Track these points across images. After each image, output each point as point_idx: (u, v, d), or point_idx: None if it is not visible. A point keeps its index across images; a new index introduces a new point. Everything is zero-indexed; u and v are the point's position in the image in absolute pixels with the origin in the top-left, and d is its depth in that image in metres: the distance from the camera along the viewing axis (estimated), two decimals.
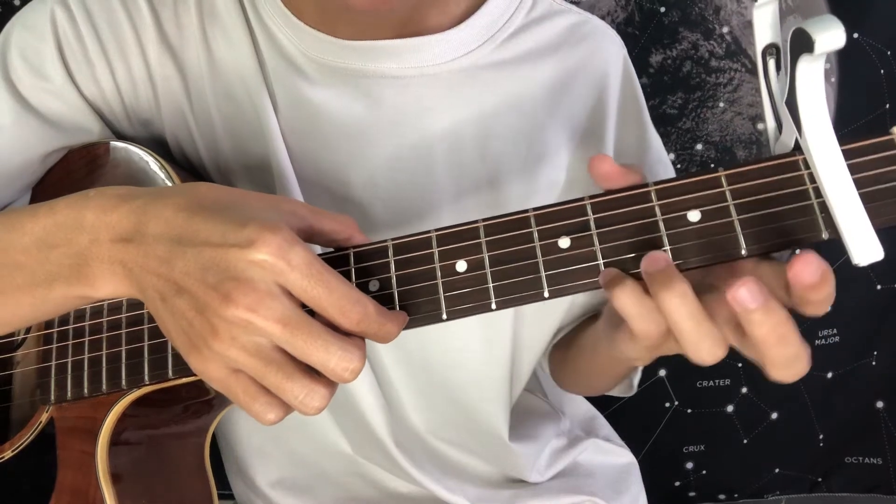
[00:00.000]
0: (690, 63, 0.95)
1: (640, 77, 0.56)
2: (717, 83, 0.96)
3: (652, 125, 0.57)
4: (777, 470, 1.04)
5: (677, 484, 1.03)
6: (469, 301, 0.34)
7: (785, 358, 0.29)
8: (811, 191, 0.30)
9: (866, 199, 0.28)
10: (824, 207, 0.29)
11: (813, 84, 0.28)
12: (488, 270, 0.34)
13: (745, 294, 0.27)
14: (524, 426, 0.59)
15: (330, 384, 0.31)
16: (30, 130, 0.46)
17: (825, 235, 0.29)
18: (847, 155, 0.29)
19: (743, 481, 1.04)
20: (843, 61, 0.94)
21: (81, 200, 0.34)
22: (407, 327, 0.35)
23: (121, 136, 0.50)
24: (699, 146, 0.97)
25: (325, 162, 0.48)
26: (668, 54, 0.95)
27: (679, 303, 0.29)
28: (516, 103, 0.49)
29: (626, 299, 0.30)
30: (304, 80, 0.47)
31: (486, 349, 0.51)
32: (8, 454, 0.47)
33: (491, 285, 0.34)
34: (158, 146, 0.50)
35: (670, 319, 0.29)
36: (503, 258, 0.34)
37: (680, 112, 0.95)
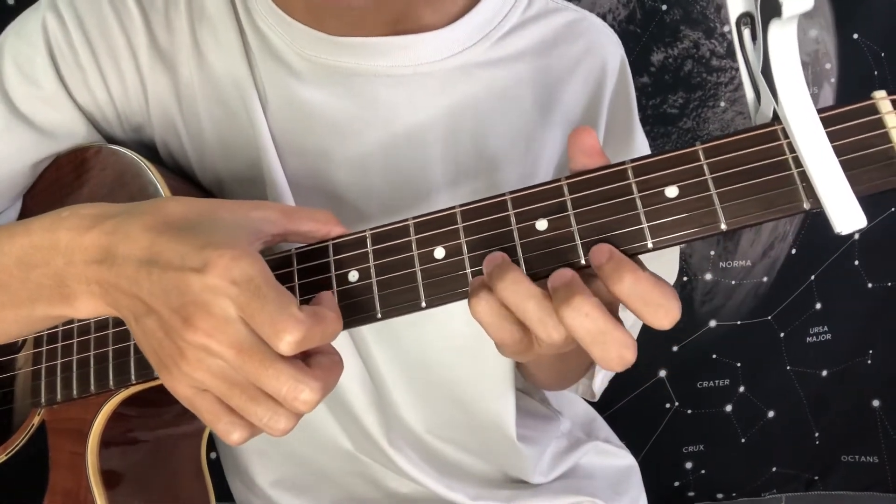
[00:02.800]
0: (692, 62, 0.95)
1: (641, 76, 0.55)
2: (719, 82, 0.95)
3: (641, 129, 0.56)
4: (774, 469, 1.03)
5: (677, 484, 1.02)
6: (448, 288, 0.33)
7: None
8: (791, 160, 0.29)
9: (847, 167, 0.27)
10: (805, 177, 0.28)
11: (786, 49, 0.27)
12: (466, 256, 0.33)
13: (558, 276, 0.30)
14: (525, 428, 0.58)
15: None
16: (21, 139, 0.46)
17: (807, 206, 0.28)
18: (826, 122, 0.28)
19: (741, 480, 1.04)
20: (844, 62, 0.94)
21: (56, 221, 0.34)
22: (387, 317, 0.35)
23: (112, 142, 0.50)
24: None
25: (317, 162, 0.47)
26: (670, 53, 0.94)
27: (514, 289, 0.30)
28: (513, 101, 0.48)
29: (480, 309, 0.31)
30: (295, 79, 0.47)
31: (488, 345, 0.50)
32: (1, 457, 0.47)
33: (469, 271, 0.33)
34: (149, 150, 0.50)
35: (512, 306, 0.30)
36: (481, 243, 0.33)
37: (681, 111, 0.95)
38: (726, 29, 0.94)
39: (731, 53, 0.94)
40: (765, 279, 0.99)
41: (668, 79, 0.94)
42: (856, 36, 0.94)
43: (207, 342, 0.29)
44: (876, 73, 0.93)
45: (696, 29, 0.95)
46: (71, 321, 0.44)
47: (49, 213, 0.35)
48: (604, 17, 0.92)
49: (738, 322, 1.00)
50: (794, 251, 0.98)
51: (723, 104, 0.95)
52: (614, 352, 0.29)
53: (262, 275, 0.30)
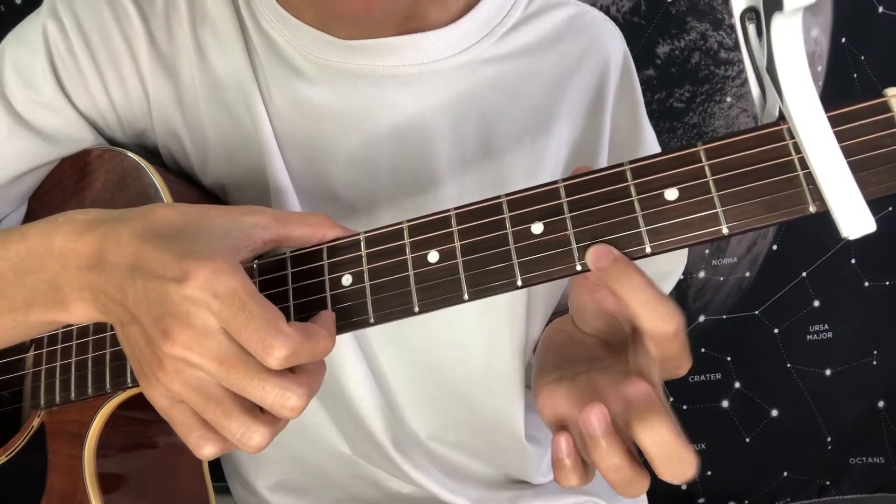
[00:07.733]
0: (699, 54, 0.93)
1: (647, 69, 0.54)
2: (726, 76, 0.94)
3: (649, 125, 0.55)
4: (785, 474, 1.03)
5: (684, 487, 1.01)
6: (441, 293, 0.33)
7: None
8: (797, 161, 0.27)
9: (856, 168, 0.26)
10: (811, 179, 0.27)
11: (790, 44, 0.26)
12: (460, 260, 0.32)
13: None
14: (533, 428, 0.57)
15: (272, 423, 0.31)
16: (24, 145, 0.46)
17: (813, 209, 0.27)
18: (834, 122, 0.27)
19: (751, 486, 1.03)
20: (833, 66, 0.94)
21: (51, 227, 0.34)
22: (379, 322, 0.34)
23: (114, 145, 0.49)
24: None
25: (322, 162, 0.47)
26: (676, 45, 0.92)
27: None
28: (518, 97, 0.48)
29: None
30: (302, 80, 0.46)
31: (496, 342, 0.49)
32: (2, 458, 0.47)
33: (462, 275, 0.32)
34: (152, 154, 0.50)
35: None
36: (475, 247, 0.32)
37: (687, 106, 0.93)
38: (734, 20, 0.93)
39: (739, 46, 0.93)
40: (747, 274, 1.00)
41: (675, 71, 0.92)
42: (843, 40, 0.92)
43: (186, 354, 0.29)
44: (855, 75, 0.92)
45: (703, 20, 0.93)
46: (69, 324, 0.43)
47: (45, 218, 0.35)
48: (607, 9, 0.91)
49: (724, 316, 1.01)
50: (775, 247, 0.98)
51: (728, 100, 0.94)
52: (678, 470, 0.29)
53: (245, 289, 0.29)
